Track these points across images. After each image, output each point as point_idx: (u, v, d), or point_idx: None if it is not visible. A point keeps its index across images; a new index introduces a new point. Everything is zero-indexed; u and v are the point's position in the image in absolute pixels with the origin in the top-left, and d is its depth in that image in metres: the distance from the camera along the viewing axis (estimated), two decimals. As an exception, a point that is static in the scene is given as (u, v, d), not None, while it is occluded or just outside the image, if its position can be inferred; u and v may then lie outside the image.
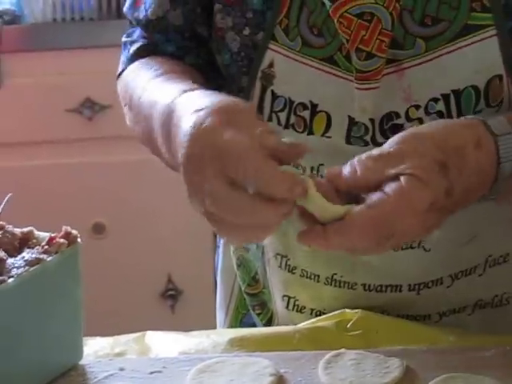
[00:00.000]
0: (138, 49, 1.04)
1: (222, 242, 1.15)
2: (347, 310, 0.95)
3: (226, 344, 0.91)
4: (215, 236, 2.36)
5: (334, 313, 0.95)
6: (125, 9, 1.07)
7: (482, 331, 0.95)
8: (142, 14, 1.02)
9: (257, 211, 0.75)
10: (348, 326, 0.93)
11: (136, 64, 1.03)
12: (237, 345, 0.91)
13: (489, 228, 0.95)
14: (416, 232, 0.80)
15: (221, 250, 1.15)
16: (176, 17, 1.00)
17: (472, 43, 0.87)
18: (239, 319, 1.13)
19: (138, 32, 1.06)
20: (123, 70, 1.06)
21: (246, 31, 0.94)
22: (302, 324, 0.96)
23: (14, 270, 0.80)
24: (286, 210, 0.76)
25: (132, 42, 1.06)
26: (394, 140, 0.80)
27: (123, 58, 1.07)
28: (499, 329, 0.96)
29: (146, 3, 1.01)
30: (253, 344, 0.91)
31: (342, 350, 0.87)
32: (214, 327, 1.22)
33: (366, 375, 0.84)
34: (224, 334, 0.94)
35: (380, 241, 0.77)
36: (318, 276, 0.98)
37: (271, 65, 0.93)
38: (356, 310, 0.94)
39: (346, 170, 0.79)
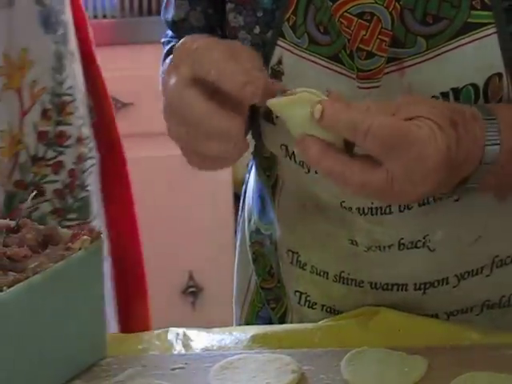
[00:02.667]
0: (170, 48, 1.07)
1: (239, 235, 1.16)
2: (369, 307, 0.95)
3: (248, 341, 0.92)
4: (236, 233, 2.37)
5: (356, 310, 0.96)
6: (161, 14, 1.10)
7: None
8: (169, 16, 1.05)
9: (210, 110, 0.81)
10: (370, 323, 0.93)
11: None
12: (259, 341, 0.91)
13: (495, 229, 0.94)
14: (426, 172, 0.79)
15: (238, 244, 1.16)
16: (196, 16, 1.02)
17: (472, 41, 0.87)
18: (255, 313, 1.13)
19: (170, 32, 1.09)
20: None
21: (257, 30, 0.94)
22: (324, 321, 0.96)
23: (38, 266, 0.80)
24: (239, 114, 0.81)
25: (168, 42, 1.09)
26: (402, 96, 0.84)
27: (162, 58, 1.10)
28: (508, 329, 0.96)
29: (172, 4, 1.03)
30: (275, 341, 0.91)
31: (365, 348, 0.87)
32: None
33: (388, 373, 0.84)
34: (246, 330, 0.94)
35: (389, 153, 0.78)
36: (327, 273, 0.99)
37: (280, 61, 0.93)
38: (378, 308, 0.95)
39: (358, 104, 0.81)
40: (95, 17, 2.21)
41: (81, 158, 1.23)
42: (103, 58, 2.21)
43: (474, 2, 0.86)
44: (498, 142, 0.82)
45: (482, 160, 0.83)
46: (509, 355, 0.86)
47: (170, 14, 1.04)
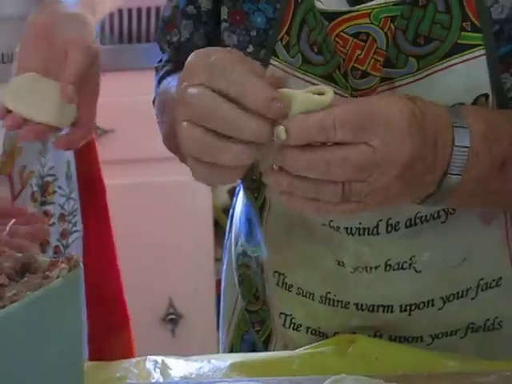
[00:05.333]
0: (166, 71, 1.08)
1: (226, 258, 1.16)
2: (347, 335, 0.95)
3: (227, 369, 0.92)
4: (216, 260, 2.37)
5: (333, 338, 0.96)
6: (156, 36, 1.10)
7: (477, 355, 0.96)
8: (175, 38, 1.06)
9: (231, 117, 0.76)
10: (348, 351, 0.93)
11: (166, 79, 1.07)
12: (237, 370, 0.91)
13: (480, 251, 0.96)
14: (399, 134, 0.79)
15: (224, 267, 1.17)
16: (200, 38, 1.03)
17: (461, 62, 0.88)
18: (240, 336, 1.14)
19: (165, 57, 1.09)
20: (156, 95, 1.09)
21: (250, 49, 0.95)
22: (302, 349, 0.96)
23: (16, 295, 0.80)
24: (261, 126, 0.77)
25: (162, 67, 1.10)
26: None
27: (155, 83, 1.10)
28: (492, 353, 0.97)
29: (179, 26, 1.04)
30: (253, 369, 0.91)
31: (342, 375, 0.87)
32: (215, 351, 1.23)
33: (365, 400, 0.84)
34: (224, 358, 0.94)
35: (361, 132, 0.77)
36: (313, 294, 1.00)
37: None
38: (356, 335, 0.95)
39: None
40: (76, 44, 2.22)
41: (64, 235, 1.27)
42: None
43: (464, 24, 0.88)
44: (466, 125, 0.83)
45: (455, 141, 0.82)
46: (486, 383, 0.86)
47: (175, 35, 1.05)
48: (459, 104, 0.88)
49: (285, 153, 0.78)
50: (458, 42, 0.88)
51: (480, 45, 0.88)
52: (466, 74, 0.88)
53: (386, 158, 0.78)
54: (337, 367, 0.90)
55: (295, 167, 0.78)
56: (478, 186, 0.85)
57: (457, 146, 0.82)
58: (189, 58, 0.82)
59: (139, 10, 2.21)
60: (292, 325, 1.03)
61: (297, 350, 0.96)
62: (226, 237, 1.18)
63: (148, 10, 2.20)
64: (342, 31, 0.88)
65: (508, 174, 0.85)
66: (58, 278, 0.83)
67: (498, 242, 0.96)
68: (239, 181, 1.09)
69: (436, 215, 0.93)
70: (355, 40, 0.88)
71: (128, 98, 2.19)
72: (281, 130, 0.77)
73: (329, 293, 0.99)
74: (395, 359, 0.92)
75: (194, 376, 0.91)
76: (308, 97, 0.78)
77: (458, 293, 0.97)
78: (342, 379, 0.87)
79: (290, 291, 1.02)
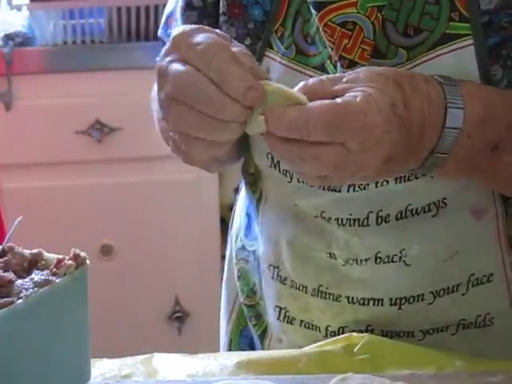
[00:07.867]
0: None
1: (227, 254, 1.16)
2: (354, 334, 0.95)
3: (233, 367, 0.92)
4: (223, 258, 2.37)
5: (340, 336, 0.96)
6: (159, 32, 1.11)
7: (469, 352, 0.95)
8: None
9: (213, 97, 0.78)
10: (355, 350, 0.93)
11: None
12: (244, 368, 0.91)
13: (471, 246, 0.96)
14: (376, 135, 0.79)
15: (226, 262, 1.17)
16: None
17: (450, 51, 0.89)
18: (239, 331, 1.14)
19: None
20: None
21: (247, 41, 0.96)
22: (309, 347, 0.96)
23: (23, 291, 0.80)
24: (238, 110, 0.79)
25: None
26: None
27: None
28: (485, 350, 0.96)
29: (178, 19, 1.05)
30: (260, 367, 0.91)
31: (349, 374, 0.87)
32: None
33: (372, 399, 0.84)
34: (231, 356, 0.94)
35: (336, 135, 0.78)
36: (306, 287, 1.00)
37: (267, 71, 0.95)
38: (363, 334, 0.95)
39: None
40: (83, 42, 2.22)
41: None
42: (92, 82, 2.22)
43: (452, 14, 0.89)
44: (462, 106, 0.83)
45: (445, 124, 0.83)
46: (493, 382, 0.86)
47: (175, 27, 1.05)
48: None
49: (266, 137, 0.80)
50: (447, 32, 0.89)
51: (468, 34, 0.89)
52: (455, 64, 0.89)
53: (360, 159, 0.79)
54: (343, 366, 0.90)
55: (274, 153, 0.82)
56: (467, 165, 0.86)
57: (447, 128, 0.83)
58: (174, 32, 0.83)
59: (147, 8, 2.21)
60: (286, 318, 1.03)
61: (304, 349, 0.96)
62: (228, 232, 1.18)
63: (156, 8, 2.20)
64: (329, 20, 0.90)
65: (500, 157, 0.86)
66: (65, 275, 0.83)
67: (489, 238, 0.96)
68: (242, 177, 1.10)
69: (427, 208, 0.94)
70: (342, 29, 0.90)
71: (135, 96, 2.19)
72: (261, 120, 0.79)
73: (321, 286, 0.99)
74: (402, 358, 0.92)
75: (200, 374, 0.91)
76: (288, 92, 0.80)
77: (448, 288, 0.97)
78: (348, 378, 0.87)
79: (285, 284, 1.02)
